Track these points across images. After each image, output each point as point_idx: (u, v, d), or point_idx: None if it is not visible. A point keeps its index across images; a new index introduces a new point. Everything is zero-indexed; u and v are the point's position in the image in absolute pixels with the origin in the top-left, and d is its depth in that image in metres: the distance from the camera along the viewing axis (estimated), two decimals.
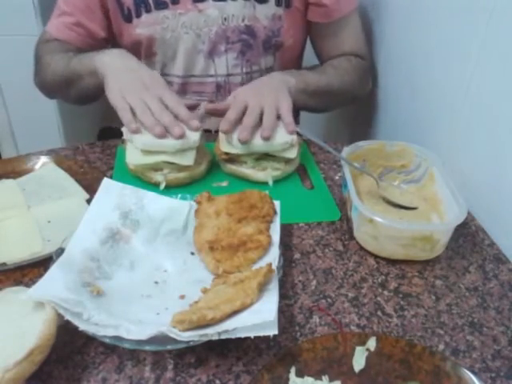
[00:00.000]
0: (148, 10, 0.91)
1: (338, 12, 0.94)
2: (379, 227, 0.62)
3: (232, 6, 0.91)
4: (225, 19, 0.92)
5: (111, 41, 0.99)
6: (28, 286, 0.51)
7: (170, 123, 0.72)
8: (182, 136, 0.72)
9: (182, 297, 0.55)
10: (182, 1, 0.90)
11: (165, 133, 0.72)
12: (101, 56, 0.82)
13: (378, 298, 0.59)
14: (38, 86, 0.97)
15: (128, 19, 0.92)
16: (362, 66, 1.00)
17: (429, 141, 0.83)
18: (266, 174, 0.78)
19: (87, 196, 0.71)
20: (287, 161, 0.80)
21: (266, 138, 0.75)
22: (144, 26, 0.92)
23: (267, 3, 0.92)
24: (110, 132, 0.94)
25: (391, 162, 0.78)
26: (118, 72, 0.79)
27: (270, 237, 0.61)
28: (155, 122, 0.72)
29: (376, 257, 0.65)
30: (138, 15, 0.91)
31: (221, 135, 0.79)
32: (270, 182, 0.78)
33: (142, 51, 0.96)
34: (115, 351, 0.51)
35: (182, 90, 1.01)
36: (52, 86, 0.94)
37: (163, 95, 0.76)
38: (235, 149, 0.77)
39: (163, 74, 0.98)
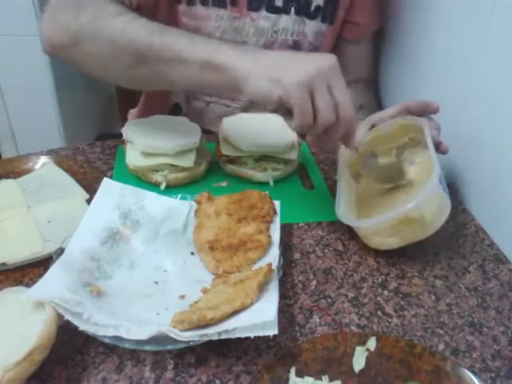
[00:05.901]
0: (205, 3, 0.86)
1: (365, 34, 0.99)
2: (361, 228, 0.62)
3: (284, 20, 0.91)
4: (275, 32, 0.91)
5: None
6: (28, 286, 0.51)
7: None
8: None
9: (182, 297, 0.55)
10: (240, 5, 0.88)
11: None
12: (231, 53, 0.61)
13: (378, 298, 0.59)
14: (65, 37, 0.68)
15: None
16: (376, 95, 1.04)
17: None
18: (266, 174, 0.78)
19: (87, 196, 0.71)
20: (287, 161, 0.80)
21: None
22: (193, 18, 0.87)
23: (316, 19, 0.92)
24: (107, 138, 0.92)
25: (398, 142, 0.73)
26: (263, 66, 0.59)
27: (269, 237, 0.61)
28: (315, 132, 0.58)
29: (376, 257, 0.65)
30: (191, 3, 0.85)
31: (221, 137, 0.79)
32: (271, 183, 0.78)
33: None
34: (115, 351, 0.51)
35: (220, 97, 0.98)
36: (103, 55, 0.67)
37: (336, 86, 0.56)
38: (235, 151, 0.77)
39: None
